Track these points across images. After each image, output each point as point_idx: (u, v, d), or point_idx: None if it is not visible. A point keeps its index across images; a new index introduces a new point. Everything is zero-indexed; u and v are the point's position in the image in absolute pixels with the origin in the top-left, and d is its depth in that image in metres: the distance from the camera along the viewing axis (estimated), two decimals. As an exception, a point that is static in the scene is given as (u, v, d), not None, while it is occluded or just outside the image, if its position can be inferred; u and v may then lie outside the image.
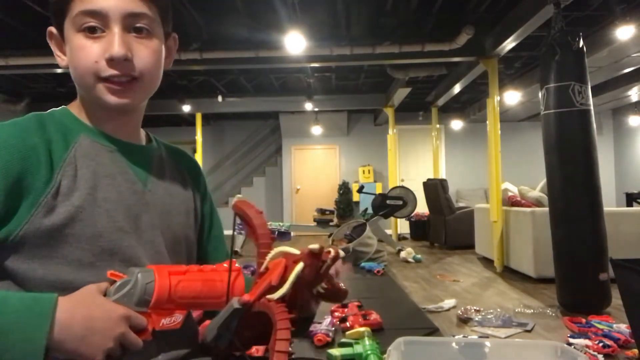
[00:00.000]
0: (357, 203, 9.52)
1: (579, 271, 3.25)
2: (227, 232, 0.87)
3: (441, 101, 7.99)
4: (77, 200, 0.70)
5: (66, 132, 0.75)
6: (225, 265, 0.74)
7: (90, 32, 0.73)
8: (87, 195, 0.72)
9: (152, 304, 0.66)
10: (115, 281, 0.67)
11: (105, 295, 0.66)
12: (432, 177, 8.10)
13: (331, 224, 7.27)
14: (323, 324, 1.58)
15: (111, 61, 0.72)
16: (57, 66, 5.29)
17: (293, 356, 1.39)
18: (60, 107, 0.80)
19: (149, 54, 0.76)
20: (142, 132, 0.88)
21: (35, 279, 0.68)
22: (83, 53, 0.73)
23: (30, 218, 0.67)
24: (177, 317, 0.69)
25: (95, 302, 0.64)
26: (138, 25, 0.75)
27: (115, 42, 0.72)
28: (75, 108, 0.80)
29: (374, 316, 1.65)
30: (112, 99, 0.75)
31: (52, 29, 0.79)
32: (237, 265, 0.75)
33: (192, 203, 0.89)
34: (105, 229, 0.72)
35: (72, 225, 0.69)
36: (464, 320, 3.16)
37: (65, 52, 0.77)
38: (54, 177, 0.70)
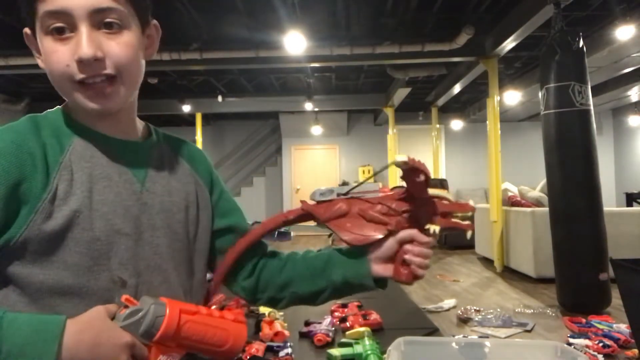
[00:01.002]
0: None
1: (579, 271, 3.25)
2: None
3: (441, 101, 7.99)
4: (74, 204, 0.70)
5: (60, 135, 0.74)
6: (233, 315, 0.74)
7: (59, 33, 0.70)
8: (84, 199, 0.71)
9: (156, 338, 0.66)
10: (127, 305, 0.68)
11: (113, 318, 0.67)
12: (432, 177, 8.09)
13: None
14: (323, 324, 1.57)
15: (81, 63, 0.69)
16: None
17: (293, 356, 1.39)
18: (54, 109, 0.79)
19: (121, 49, 0.72)
20: (140, 125, 0.85)
21: (36, 283, 0.68)
22: (54, 57, 0.70)
23: (29, 224, 0.67)
24: (175, 357, 0.69)
25: (102, 327, 0.65)
26: (107, 20, 0.71)
27: (82, 42, 0.69)
28: (69, 108, 0.79)
29: (374, 316, 1.64)
30: (92, 105, 0.72)
31: (28, 30, 0.76)
32: (244, 316, 0.75)
33: (194, 196, 0.86)
34: (103, 232, 0.71)
35: (70, 229, 0.69)
36: (464, 320, 3.16)
37: None
38: (50, 182, 0.69)
